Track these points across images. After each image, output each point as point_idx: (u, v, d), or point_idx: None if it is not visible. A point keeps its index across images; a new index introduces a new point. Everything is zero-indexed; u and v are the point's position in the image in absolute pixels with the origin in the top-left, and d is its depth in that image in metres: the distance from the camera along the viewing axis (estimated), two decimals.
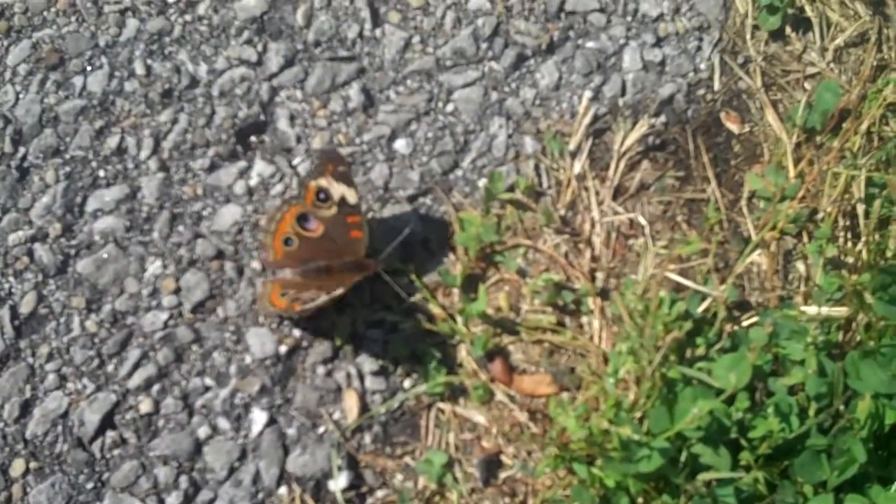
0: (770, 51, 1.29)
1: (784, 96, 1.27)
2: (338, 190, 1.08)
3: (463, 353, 1.12)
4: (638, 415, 1.04)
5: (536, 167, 1.21)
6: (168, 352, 1.12)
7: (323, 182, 1.08)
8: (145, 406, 1.10)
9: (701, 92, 1.26)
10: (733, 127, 1.25)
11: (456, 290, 1.15)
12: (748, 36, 1.30)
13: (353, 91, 1.24)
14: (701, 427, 1.00)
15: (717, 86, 1.27)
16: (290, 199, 1.12)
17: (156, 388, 1.11)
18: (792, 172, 1.21)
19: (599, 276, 1.17)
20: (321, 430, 1.09)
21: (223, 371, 1.11)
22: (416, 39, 1.27)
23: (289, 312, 1.08)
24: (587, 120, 1.23)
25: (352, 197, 1.09)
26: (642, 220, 1.19)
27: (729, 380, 1.01)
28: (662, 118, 1.24)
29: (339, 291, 1.06)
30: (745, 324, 1.13)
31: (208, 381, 1.11)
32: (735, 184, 1.23)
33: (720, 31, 1.29)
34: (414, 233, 1.18)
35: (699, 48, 1.28)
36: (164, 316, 1.13)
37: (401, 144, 1.22)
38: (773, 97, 1.27)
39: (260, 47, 1.25)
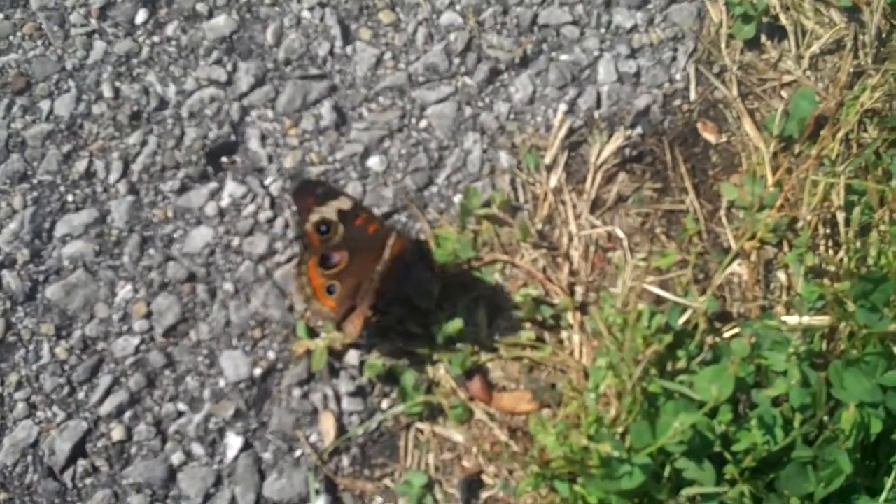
0: (745, 60, 1.28)
1: (761, 105, 1.26)
2: (330, 209, 1.06)
3: (441, 371, 1.11)
4: (619, 430, 1.03)
5: (512, 182, 1.20)
6: (140, 377, 1.10)
7: (314, 217, 1.06)
8: (117, 433, 1.08)
9: (677, 102, 1.25)
10: (710, 137, 1.24)
11: (432, 308, 1.13)
12: (723, 45, 1.29)
13: (325, 109, 1.22)
14: (683, 441, 0.99)
15: (693, 96, 1.26)
16: (301, 256, 1.08)
17: (128, 414, 1.09)
18: (770, 181, 1.20)
19: (578, 290, 1.16)
20: (298, 453, 1.08)
21: (196, 395, 1.10)
22: (387, 56, 1.25)
23: (357, 321, 1.06)
24: (562, 133, 1.22)
25: (345, 203, 1.06)
26: (620, 233, 1.17)
27: (711, 392, 1.00)
28: (639, 129, 1.23)
29: (382, 268, 1.05)
30: (726, 335, 1.12)
31: (181, 407, 1.10)
32: (714, 194, 1.21)
33: (695, 41, 1.28)
34: None
35: (674, 59, 1.27)
36: (135, 341, 1.12)
37: (374, 162, 1.20)
38: (749, 106, 1.26)
39: (229, 67, 1.24)
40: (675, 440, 0.97)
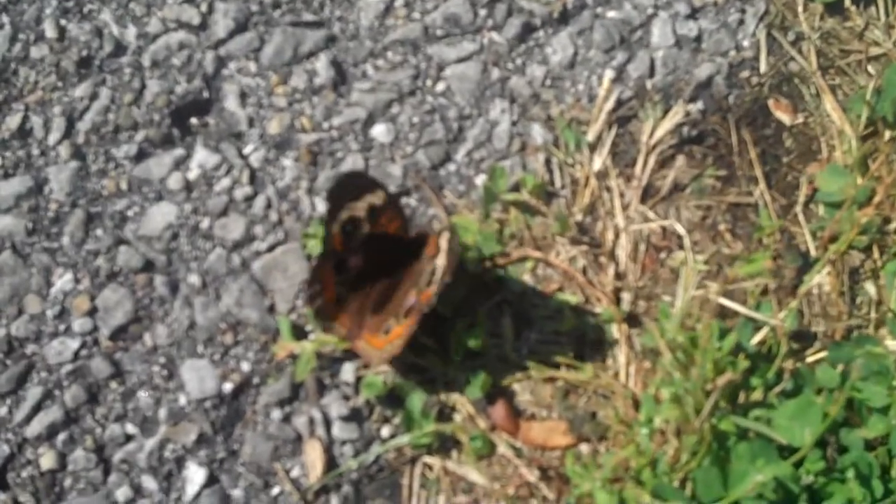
0: (826, 26, 1.18)
1: (844, 81, 1.16)
2: (363, 204, 0.99)
3: (456, 393, 1.03)
4: (679, 476, 0.94)
5: (547, 162, 1.12)
6: (79, 390, 1.03)
7: (344, 215, 0.99)
8: (47, 460, 1.01)
9: (744, 74, 1.17)
10: (784, 117, 1.14)
11: (448, 315, 1.06)
12: (800, 8, 1.19)
13: (321, 64, 1.16)
14: (764, 495, 0.90)
15: (763, 67, 1.17)
16: (319, 258, 1.00)
17: (62, 437, 1.01)
18: (858, 173, 1.08)
19: (625, 297, 1.07)
20: (275, 490, 1.00)
21: (150, 415, 1.03)
22: (399, 2, 1.18)
23: (405, 337, 0.97)
24: (609, 105, 1.14)
25: (378, 197, 0.99)
26: (680, 229, 1.08)
27: (796, 434, 0.92)
28: (699, 104, 1.15)
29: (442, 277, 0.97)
30: (809, 359, 1.02)
31: (130, 429, 1.02)
32: (788, 185, 1.12)
33: (766, 2, 1.20)
34: None
35: (742, 21, 1.19)
36: (74, 344, 1.04)
37: (380, 131, 1.13)
38: (830, 82, 1.16)
39: (204, 7, 1.17)
40: (752, 493, 0.89)
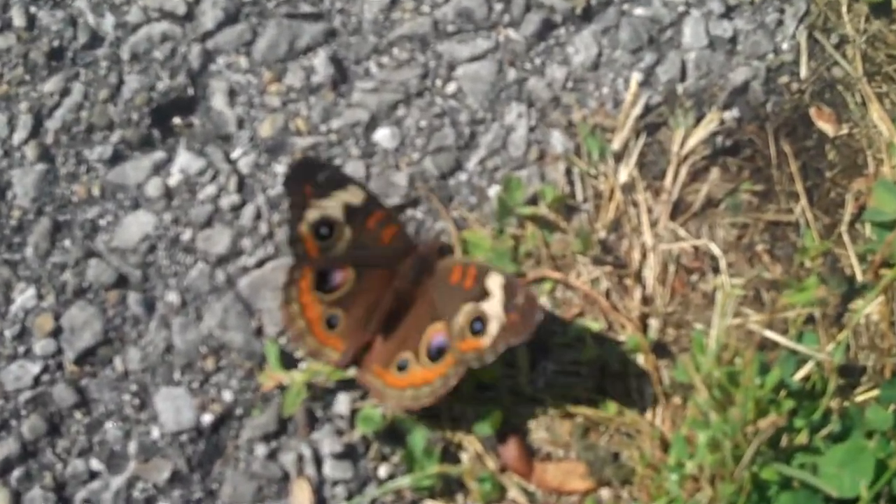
0: (872, 29, 1.14)
1: (892, 88, 1.12)
2: (335, 204, 0.95)
3: (464, 430, 0.98)
4: None
5: (568, 172, 1.08)
6: (38, 421, 0.98)
7: (313, 215, 0.94)
8: (1, 500, 0.97)
9: (784, 79, 1.13)
10: (826, 127, 1.11)
11: None
12: (844, 9, 1.15)
13: (319, 60, 1.12)
14: None
15: (804, 72, 1.13)
16: (291, 271, 0.96)
17: (17, 473, 0.97)
18: None
19: (653, 324, 1.02)
20: None
21: (118, 450, 0.98)
22: None
23: (437, 390, 0.92)
24: (636, 111, 1.10)
25: (355, 196, 0.95)
26: (715, 249, 1.02)
27: (845, 483, 0.87)
28: (734, 112, 1.11)
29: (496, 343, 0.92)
30: (857, 398, 0.98)
31: (95, 465, 0.97)
32: (831, 203, 1.07)
33: (807, 2, 1.16)
34: None
35: (780, 22, 1.15)
36: (35, 368, 1.00)
37: (383, 135, 1.10)
38: (877, 89, 1.12)
39: None
40: None
